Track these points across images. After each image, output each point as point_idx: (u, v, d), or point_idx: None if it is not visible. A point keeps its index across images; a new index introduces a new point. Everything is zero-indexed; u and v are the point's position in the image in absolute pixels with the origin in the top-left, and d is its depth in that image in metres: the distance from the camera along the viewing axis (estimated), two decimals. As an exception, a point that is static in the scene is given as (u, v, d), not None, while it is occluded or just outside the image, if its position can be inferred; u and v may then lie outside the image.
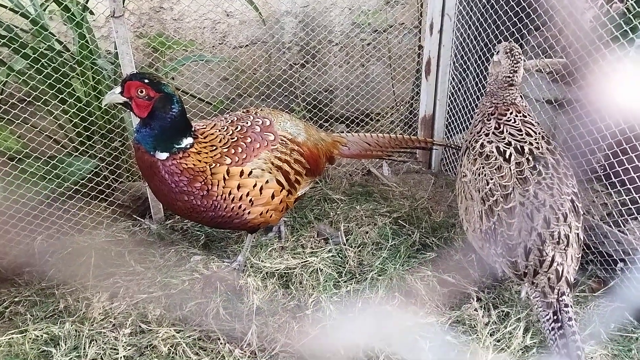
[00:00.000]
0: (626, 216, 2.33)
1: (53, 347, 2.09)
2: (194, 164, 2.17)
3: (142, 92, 2.07)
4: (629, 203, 2.24)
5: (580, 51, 2.23)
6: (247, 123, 2.38)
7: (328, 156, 2.70)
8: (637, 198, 2.18)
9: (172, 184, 2.18)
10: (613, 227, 2.38)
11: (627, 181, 2.18)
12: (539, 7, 2.41)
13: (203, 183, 2.19)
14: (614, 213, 2.39)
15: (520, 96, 2.31)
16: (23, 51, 2.51)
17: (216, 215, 2.28)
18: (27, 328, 2.16)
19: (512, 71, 2.25)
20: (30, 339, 2.11)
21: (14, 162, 2.56)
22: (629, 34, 2.14)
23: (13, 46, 2.50)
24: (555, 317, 1.94)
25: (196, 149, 2.18)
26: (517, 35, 2.65)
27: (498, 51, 2.30)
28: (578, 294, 2.36)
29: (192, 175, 2.17)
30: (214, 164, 2.21)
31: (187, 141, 2.17)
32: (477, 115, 2.37)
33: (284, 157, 2.39)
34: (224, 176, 2.22)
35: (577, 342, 1.88)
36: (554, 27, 2.38)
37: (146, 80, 2.06)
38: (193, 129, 2.23)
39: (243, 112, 2.51)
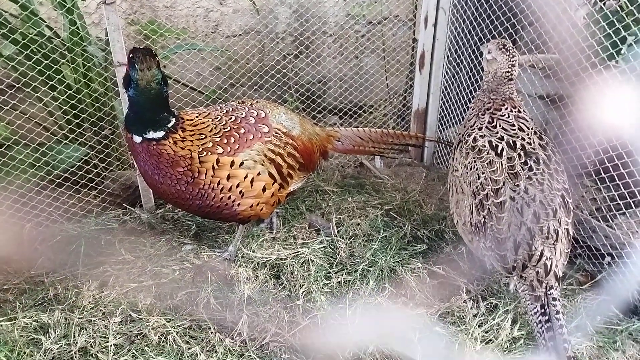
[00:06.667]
0: (614, 211, 2.36)
1: (42, 334, 2.07)
2: (174, 150, 2.16)
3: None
4: (617, 198, 2.27)
5: (573, 48, 2.25)
6: (241, 114, 2.36)
7: (322, 151, 2.70)
8: (626, 194, 2.20)
9: (153, 165, 2.18)
10: (601, 222, 2.41)
11: (615, 177, 2.21)
12: (532, 3, 2.41)
13: (187, 168, 2.18)
14: (602, 208, 2.42)
15: (516, 91, 2.33)
16: (12, 36, 2.47)
17: (204, 204, 2.27)
18: (16, 316, 2.14)
19: (510, 65, 2.26)
20: (19, 326, 2.10)
21: (2, 149, 2.53)
22: (622, 31, 2.15)
23: (2, 31, 2.46)
24: (542, 311, 1.97)
25: (175, 138, 2.15)
26: (511, 30, 2.66)
27: (489, 50, 2.31)
28: (566, 287, 2.39)
29: (173, 160, 2.16)
30: (204, 152, 2.19)
31: (154, 134, 2.13)
32: (472, 110, 2.37)
33: (278, 150, 2.38)
34: (213, 165, 2.21)
35: (564, 335, 1.91)
36: (547, 23, 2.38)
37: (130, 55, 2.08)
38: (175, 121, 2.17)
39: (238, 103, 2.50)
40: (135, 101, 2.11)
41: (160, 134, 2.14)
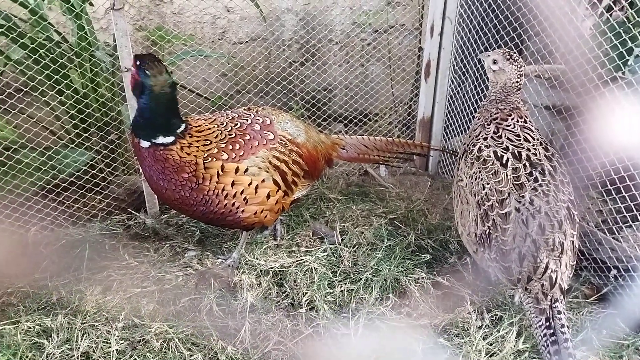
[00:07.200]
0: (621, 224, 2.35)
1: (45, 339, 2.07)
2: (180, 156, 2.16)
3: (133, 69, 2.15)
4: (623, 210, 2.25)
5: (580, 58, 2.24)
6: (247, 120, 2.37)
7: (327, 159, 2.70)
8: (632, 206, 2.19)
9: (158, 170, 2.19)
10: (607, 235, 2.39)
11: (622, 189, 2.19)
12: (539, 13, 2.41)
13: (191, 174, 2.18)
14: (608, 220, 2.40)
15: (522, 101, 2.32)
16: (21, 41, 2.49)
17: (208, 210, 2.27)
18: (19, 319, 2.14)
19: (519, 75, 2.26)
20: (22, 330, 2.10)
21: (9, 152, 2.54)
22: (628, 43, 2.15)
23: (11, 35, 2.48)
24: (547, 324, 1.95)
25: (182, 144, 2.16)
26: (517, 40, 2.66)
27: (495, 61, 2.28)
28: (571, 300, 2.37)
29: (179, 165, 2.17)
30: (209, 159, 2.20)
31: (164, 139, 2.14)
32: (478, 119, 2.37)
33: (282, 157, 2.38)
34: (218, 171, 2.21)
35: (569, 349, 1.89)
36: (553, 34, 2.38)
37: (138, 62, 2.10)
38: (185, 127, 2.19)
39: (244, 109, 2.50)
40: (148, 107, 2.12)
41: (170, 139, 2.15)
